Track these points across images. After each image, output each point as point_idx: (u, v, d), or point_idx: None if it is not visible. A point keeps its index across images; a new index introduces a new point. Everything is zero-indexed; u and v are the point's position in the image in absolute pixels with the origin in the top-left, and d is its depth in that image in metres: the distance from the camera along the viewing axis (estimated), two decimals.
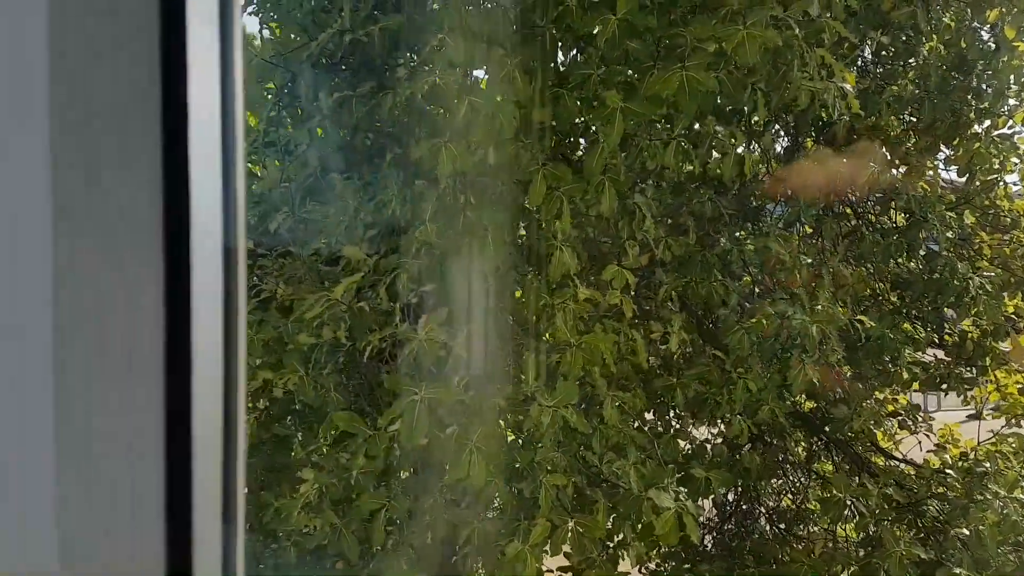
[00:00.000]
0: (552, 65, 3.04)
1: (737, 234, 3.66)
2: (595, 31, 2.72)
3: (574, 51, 3.22)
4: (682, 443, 3.75)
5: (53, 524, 0.44)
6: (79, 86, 0.45)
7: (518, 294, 3.47)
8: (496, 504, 3.36)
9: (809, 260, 3.41)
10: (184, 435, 0.49)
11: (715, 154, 3.31)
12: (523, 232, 3.47)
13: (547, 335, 3.01)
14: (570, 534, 3.07)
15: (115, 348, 0.47)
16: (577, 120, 3.06)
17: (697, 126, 3.34)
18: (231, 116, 0.53)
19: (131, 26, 0.47)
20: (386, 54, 3.00)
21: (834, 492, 3.56)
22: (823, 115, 3.53)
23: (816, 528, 3.95)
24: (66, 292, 0.45)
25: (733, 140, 3.17)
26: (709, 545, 3.88)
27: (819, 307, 3.41)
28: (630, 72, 2.90)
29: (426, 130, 3.28)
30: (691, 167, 3.17)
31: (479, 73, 3.08)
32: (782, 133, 3.88)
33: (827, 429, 3.88)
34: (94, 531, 0.46)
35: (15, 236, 0.45)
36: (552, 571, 3.39)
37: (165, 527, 0.48)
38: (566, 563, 3.40)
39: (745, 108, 3.53)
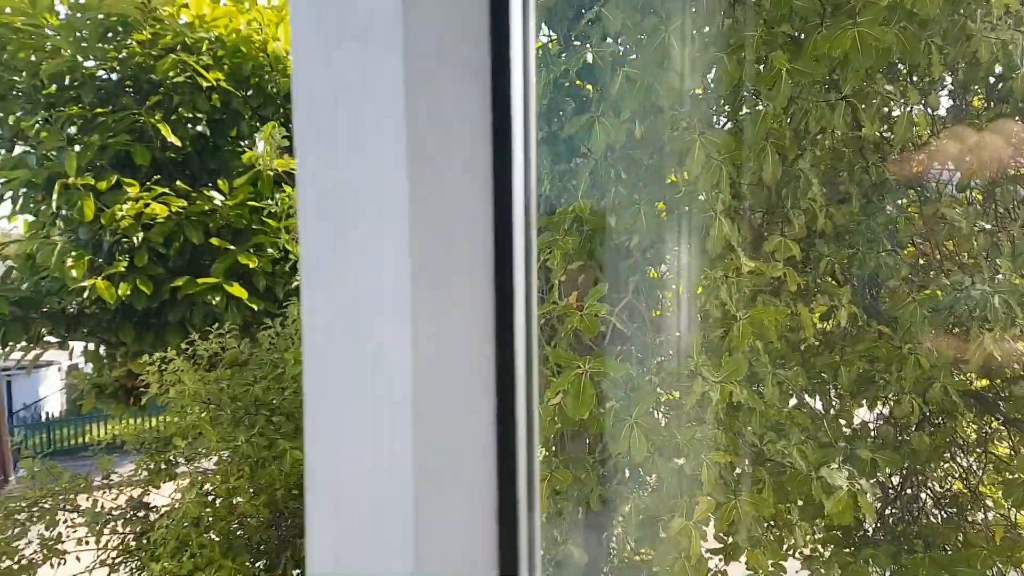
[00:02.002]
0: (709, 29, 2.96)
1: (900, 201, 3.46)
2: None
3: (724, 15, 3.12)
4: (842, 423, 3.58)
5: (412, 535, 0.46)
6: (431, 100, 0.47)
7: (653, 275, 3.41)
8: (651, 480, 3.32)
9: (987, 226, 3.18)
10: (510, 439, 0.51)
11: (878, 117, 3.13)
12: (662, 205, 3.40)
13: (709, 309, 2.93)
14: (735, 512, 3.00)
15: (460, 364, 0.50)
16: (736, 84, 2.97)
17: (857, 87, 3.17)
18: (530, 125, 0.55)
19: (468, 59, 0.49)
20: (536, 30, 3.00)
21: (1018, 475, 3.31)
22: (996, 69, 3.28)
23: (992, 513, 3.68)
24: (417, 295, 0.46)
25: (905, 99, 2.99)
26: (871, 530, 3.69)
27: (999, 277, 3.18)
28: (795, 32, 2.79)
29: (576, 106, 3.27)
30: (861, 130, 3.00)
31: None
32: (944, 93, 3.62)
33: (1003, 408, 3.60)
34: (440, 538, 0.48)
35: (373, 236, 0.47)
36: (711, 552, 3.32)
37: (498, 530, 0.50)
38: (717, 545, 3.32)
39: (905, 66, 3.32)
